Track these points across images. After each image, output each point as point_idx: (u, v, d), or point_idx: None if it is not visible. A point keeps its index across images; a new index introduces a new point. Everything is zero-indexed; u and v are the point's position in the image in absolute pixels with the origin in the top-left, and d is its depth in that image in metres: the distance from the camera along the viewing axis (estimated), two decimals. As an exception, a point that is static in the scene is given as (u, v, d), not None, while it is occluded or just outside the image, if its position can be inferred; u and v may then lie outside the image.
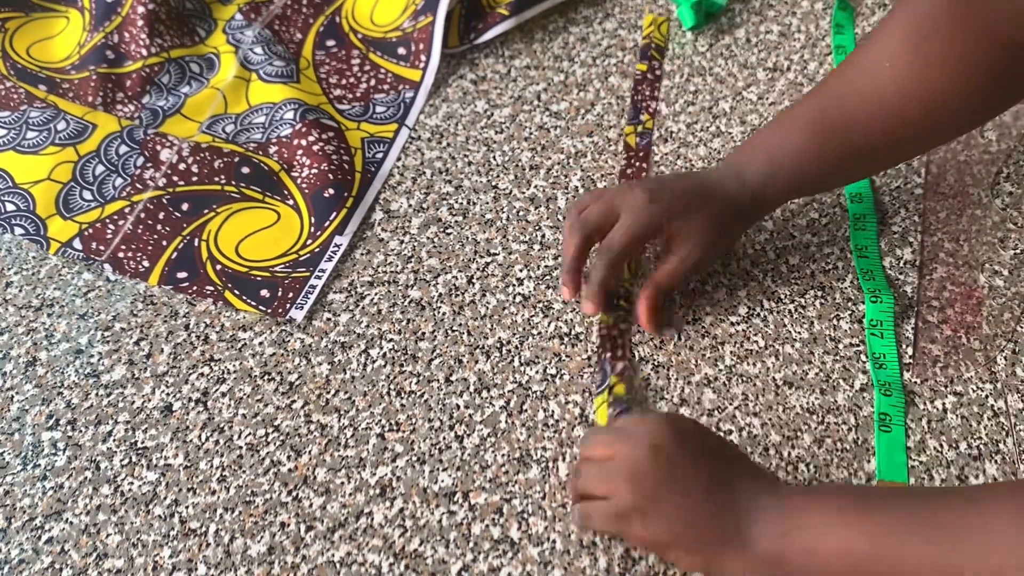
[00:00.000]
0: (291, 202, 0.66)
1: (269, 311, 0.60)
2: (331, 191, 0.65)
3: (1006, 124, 0.69)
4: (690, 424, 0.49)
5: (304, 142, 0.67)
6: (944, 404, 0.55)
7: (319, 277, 0.62)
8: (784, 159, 0.56)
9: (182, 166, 0.67)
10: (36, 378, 0.58)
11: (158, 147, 0.68)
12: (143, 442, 0.55)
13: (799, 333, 0.58)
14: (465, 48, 0.75)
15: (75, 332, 0.60)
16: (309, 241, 0.64)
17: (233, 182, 0.66)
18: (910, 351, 0.57)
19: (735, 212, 0.57)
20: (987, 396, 0.55)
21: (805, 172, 0.56)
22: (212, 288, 0.61)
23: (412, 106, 0.72)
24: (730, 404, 0.55)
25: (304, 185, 0.66)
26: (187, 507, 0.52)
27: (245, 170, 0.67)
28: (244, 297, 0.61)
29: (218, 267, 0.62)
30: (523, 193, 0.67)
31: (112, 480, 0.53)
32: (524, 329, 0.59)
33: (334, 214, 0.64)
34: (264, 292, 0.61)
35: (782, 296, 0.60)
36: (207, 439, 0.55)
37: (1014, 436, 0.53)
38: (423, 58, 0.74)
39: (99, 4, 0.74)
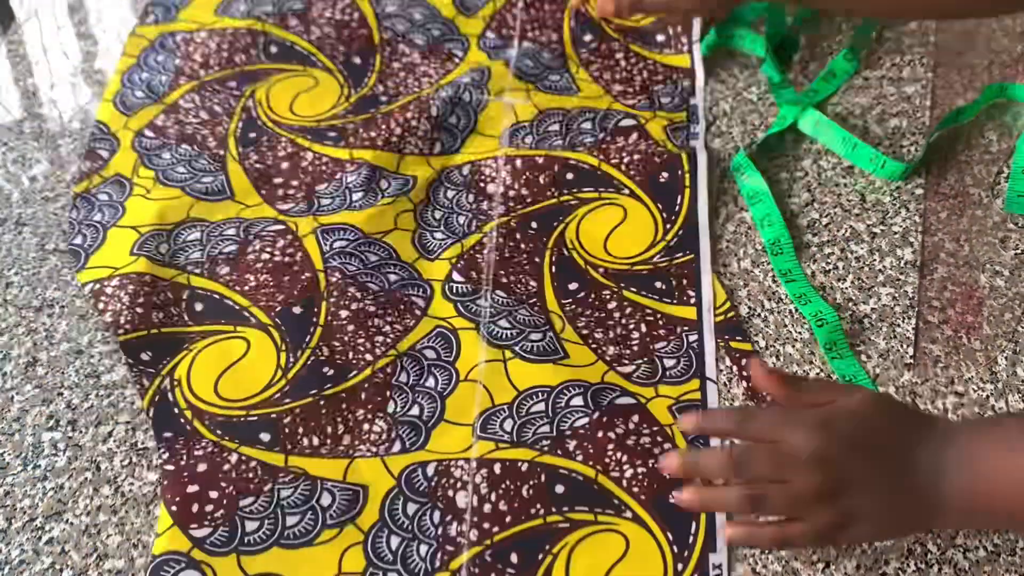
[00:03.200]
0: (626, 191, 0.65)
1: (675, 301, 0.59)
2: (665, 174, 0.65)
3: (1006, 124, 0.69)
4: (868, 397, 0.47)
5: (613, 147, 0.67)
6: (945, 404, 0.55)
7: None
8: None
9: (512, 192, 0.65)
10: (36, 378, 0.58)
11: (481, 183, 0.66)
12: (143, 443, 0.54)
13: (800, 333, 0.58)
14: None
15: (75, 333, 0.60)
16: (668, 227, 0.63)
17: (564, 190, 0.65)
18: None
19: None
20: (988, 396, 0.55)
21: None
22: (609, 292, 0.60)
23: (692, 99, 0.71)
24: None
25: (634, 173, 0.65)
26: (188, 508, 0.52)
27: (569, 176, 0.66)
28: (643, 292, 0.60)
29: (600, 270, 0.61)
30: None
31: (112, 481, 0.53)
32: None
33: (679, 197, 0.64)
34: (659, 284, 0.60)
35: (783, 296, 0.60)
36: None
37: (1015, 436, 0.53)
38: (684, 40, 0.74)
39: (349, 67, 0.74)
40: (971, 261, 0.61)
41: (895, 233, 0.63)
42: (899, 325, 0.58)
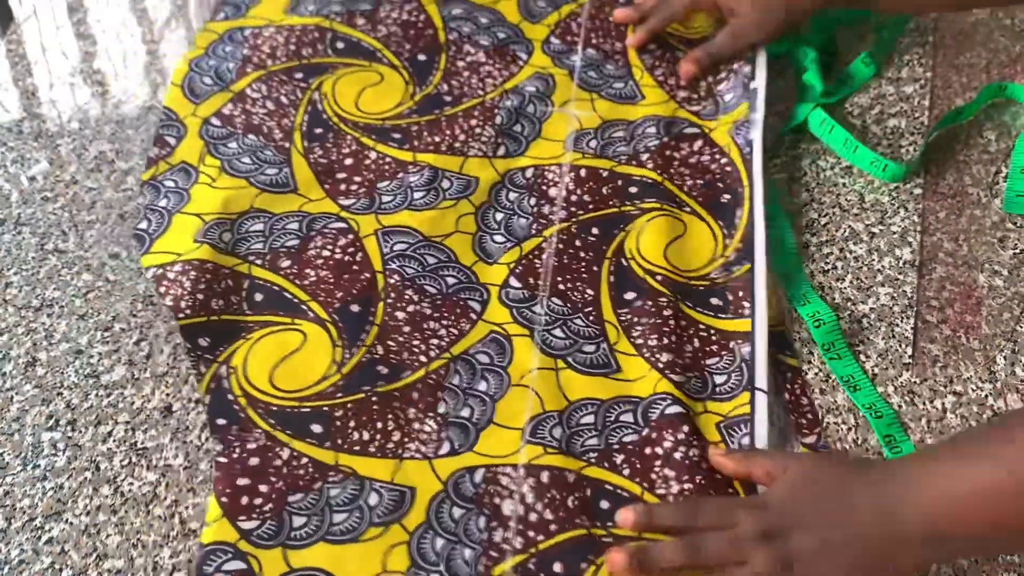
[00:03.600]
0: (688, 209, 0.64)
1: (729, 316, 0.59)
2: (727, 196, 0.64)
3: (1005, 124, 0.69)
4: (805, 465, 0.49)
5: (677, 155, 0.67)
6: (944, 404, 0.55)
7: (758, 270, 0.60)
8: None
9: (574, 197, 0.65)
10: (36, 378, 0.58)
11: (543, 186, 0.66)
12: (143, 443, 0.55)
13: (799, 333, 0.58)
14: None
15: (75, 332, 0.60)
16: (727, 243, 0.62)
17: (627, 201, 0.65)
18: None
19: None
20: (987, 396, 0.55)
21: None
22: (665, 300, 0.59)
23: (751, 83, 0.70)
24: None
25: (696, 195, 0.65)
26: (187, 508, 0.52)
27: (632, 189, 0.65)
28: (698, 308, 0.59)
29: (659, 278, 0.60)
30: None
31: (112, 480, 0.53)
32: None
33: (739, 211, 0.63)
34: (715, 300, 0.59)
35: (781, 296, 0.60)
36: (207, 439, 0.55)
37: (1013, 436, 0.53)
38: None
39: (415, 64, 0.74)
40: (970, 261, 0.61)
41: (894, 233, 0.63)
42: (898, 325, 0.58)
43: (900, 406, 0.55)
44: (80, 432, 0.55)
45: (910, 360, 0.57)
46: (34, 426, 0.55)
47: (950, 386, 0.56)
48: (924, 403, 0.55)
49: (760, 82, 0.69)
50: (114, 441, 0.55)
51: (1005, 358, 0.57)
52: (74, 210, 0.66)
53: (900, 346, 0.57)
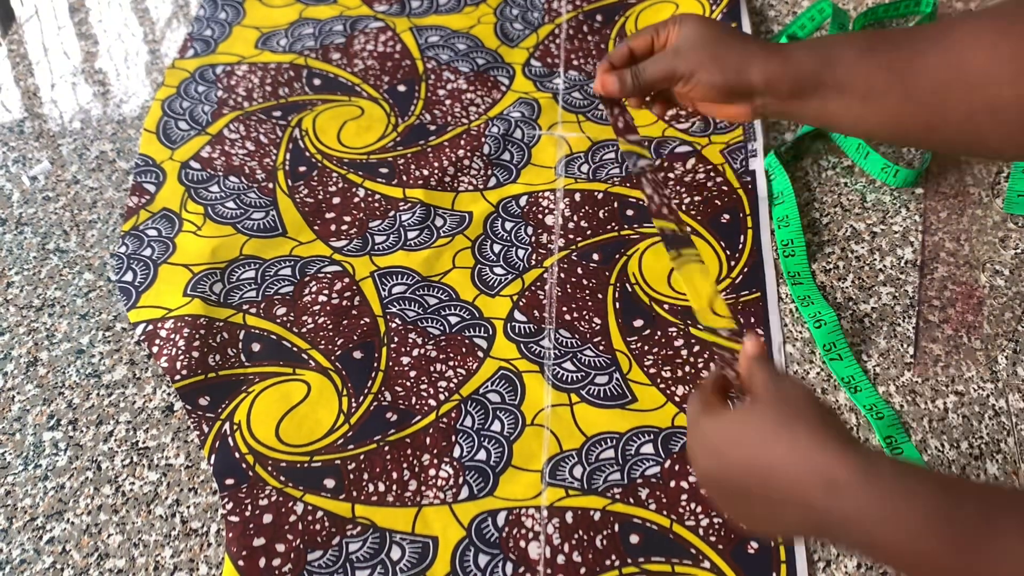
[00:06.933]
0: (688, 229, 0.63)
1: (742, 340, 0.57)
2: (726, 216, 0.63)
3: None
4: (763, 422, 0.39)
5: (672, 175, 0.66)
6: (945, 403, 0.55)
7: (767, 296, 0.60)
8: (831, 52, 0.49)
9: (571, 224, 0.64)
10: (37, 378, 0.58)
11: (539, 215, 0.65)
12: (144, 442, 0.55)
13: (800, 332, 0.58)
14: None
15: (76, 332, 0.60)
16: (732, 264, 0.61)
17: (626, 225, 0.64)
18: (894, 356, 0.57)
19: (750, 44, 0.51)
20: (988, 395, 0.55)
21: (851, 75, 0.48)
22: (675, 329, 0.58)
23: None
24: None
25: (695, 214, 0.64)
26: (188, 507, 0.52)
27: (629, 212, 0.64)
28: (708, 329, 0.58)
29: (665, 307, 0.60)
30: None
31: (113, 480, 0.53)
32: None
33: (742, 236, 0.63)
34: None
35: (782, 296, 0.60)
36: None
37: (1015, 435, 0.53)
38: None
39: (395, 95, 0.72)
40: (971, 260, 0.61)
41: (895, 232, 0.63)
42: (899, 324, 0.58)
43: (902, 405, 0.55)
44: (81, 431, 0.55)
45: (912, 360, 0.57)
46: (35, 425, 0.55)
47: (952, 386, 0.56)
48: (926, 403, 0.55)
49: None
50: (115, 440, 0.55)
51: (1007, 358, 0.57)
52: (75, 210, 0.67)
53: (902, 346, 0.57)
